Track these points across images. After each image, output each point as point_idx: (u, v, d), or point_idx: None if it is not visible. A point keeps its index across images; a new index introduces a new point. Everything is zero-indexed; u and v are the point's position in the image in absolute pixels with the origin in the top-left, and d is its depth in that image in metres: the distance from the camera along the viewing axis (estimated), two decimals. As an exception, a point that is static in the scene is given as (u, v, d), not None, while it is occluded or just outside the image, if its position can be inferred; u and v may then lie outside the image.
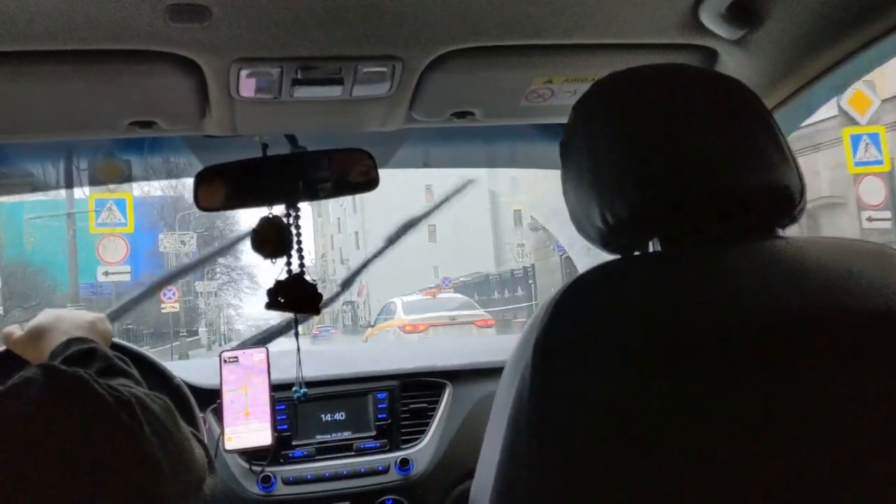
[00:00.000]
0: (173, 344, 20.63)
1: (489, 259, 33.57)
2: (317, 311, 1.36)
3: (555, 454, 0.61)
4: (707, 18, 1.03)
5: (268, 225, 1.33)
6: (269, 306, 1.35)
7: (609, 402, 0.61)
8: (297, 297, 1.35)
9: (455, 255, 34.64)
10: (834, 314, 0.63)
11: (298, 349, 1.53)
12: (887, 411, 0.61)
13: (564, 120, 0.82)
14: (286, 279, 1.35)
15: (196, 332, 29.26)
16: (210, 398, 1.59)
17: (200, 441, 0.88)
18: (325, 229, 46.49)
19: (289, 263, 1.35)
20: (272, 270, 1.33)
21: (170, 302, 20.57)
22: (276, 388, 1.57)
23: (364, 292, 36.71)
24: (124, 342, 1.41)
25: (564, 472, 0.60)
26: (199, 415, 1.42)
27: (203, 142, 1.41)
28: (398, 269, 35.41)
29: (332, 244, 46.35)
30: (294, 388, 1.59)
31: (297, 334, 1.50)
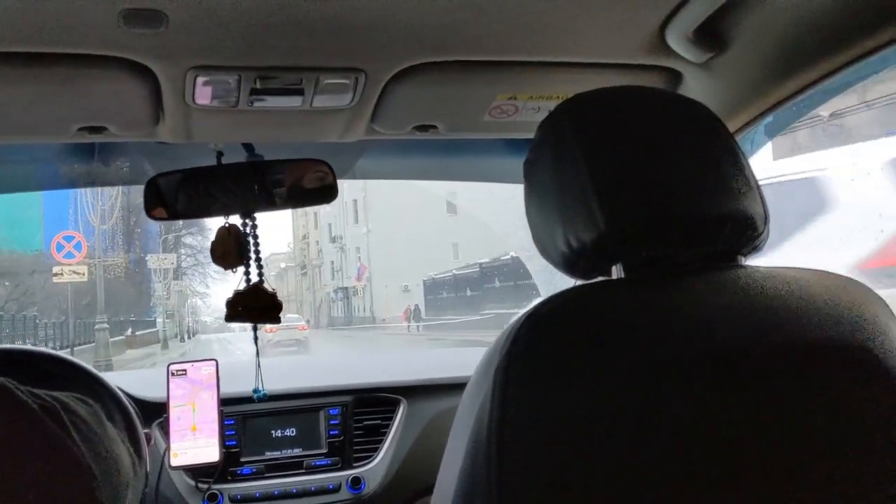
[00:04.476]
0: (74, 346, 11.58)
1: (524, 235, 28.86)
2: (277, 320, 1.34)
3: (515, 484, 0.60)
4: (673, 41, 1.03)
5: (226, 234, 1.30)
6: (229, 318, 1.33)
7: (569, 430, 0.60)
8: (256, 308, 1.33)
9: (480, 230, 29.09)
10: (789, 345, 0.64)
11: (258, 353, 1.50)
12: (840, 443, 0.62)
13: (528, 135, 0.80)
14: (245, 289, 1.32)
15: (152, 323, 25.47)
16: (155, 411, 1.54)
17: (127, 442, 0.85)
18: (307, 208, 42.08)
19: (247, 273, 1.32)
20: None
21: (67, 262, 10.92)
22: (225, 402, 1.53)
23: (365, 276, 32.50)
24: (47, 349, 1.35)
25: (525, 499, 0.60)
26: (140, 426, 1.38)
27: (156, 147, 1.36)
28: (409, 249, 30.05)
29: (315, 223, 40.93)
30: (255, 388, 1.55)
31: (256, 339, 1.46)
